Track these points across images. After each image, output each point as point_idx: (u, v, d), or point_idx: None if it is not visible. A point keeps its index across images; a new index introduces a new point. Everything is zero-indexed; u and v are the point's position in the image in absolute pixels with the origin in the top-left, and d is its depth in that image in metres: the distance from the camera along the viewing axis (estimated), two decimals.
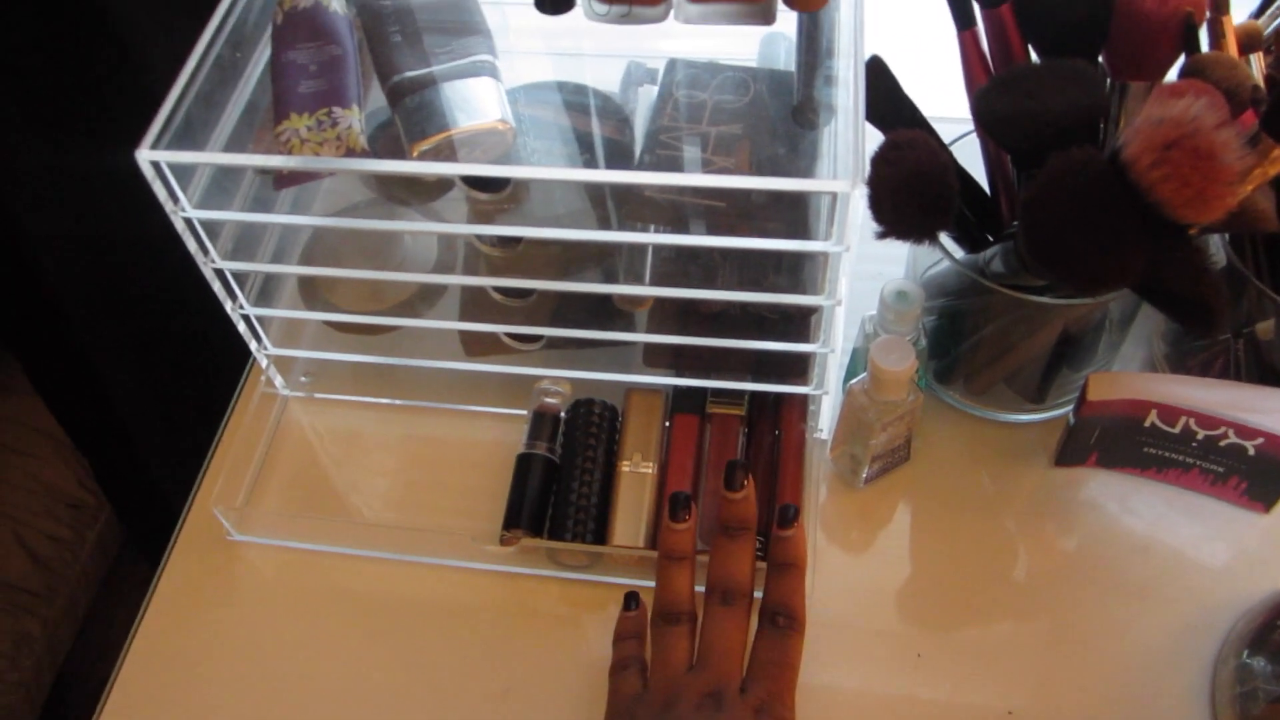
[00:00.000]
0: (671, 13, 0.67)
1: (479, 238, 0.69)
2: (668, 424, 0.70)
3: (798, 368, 0.68)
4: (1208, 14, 0.60)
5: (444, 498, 0.72)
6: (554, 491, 0.69)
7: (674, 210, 0.66)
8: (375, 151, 0.64)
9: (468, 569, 0.68)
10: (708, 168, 0.67)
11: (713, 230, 0.63)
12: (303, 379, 0.77)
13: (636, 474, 0.67)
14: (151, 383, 1.14)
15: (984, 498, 0.69)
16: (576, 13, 0.67)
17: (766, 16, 0.65)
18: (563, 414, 0.71)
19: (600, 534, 0.66)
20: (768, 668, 0.53)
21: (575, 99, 0.71)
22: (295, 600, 0.69)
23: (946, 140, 0.65)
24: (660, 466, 0.68)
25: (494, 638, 0.65)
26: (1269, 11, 0.65)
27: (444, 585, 0.68)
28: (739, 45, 0.74)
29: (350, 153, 0.62)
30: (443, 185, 0.71)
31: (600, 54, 0.76)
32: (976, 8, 0.63)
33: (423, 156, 0.62)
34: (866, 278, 0.66)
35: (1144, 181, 0.50)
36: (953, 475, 0.70)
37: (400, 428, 0.76)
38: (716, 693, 0.51)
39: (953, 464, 0.70)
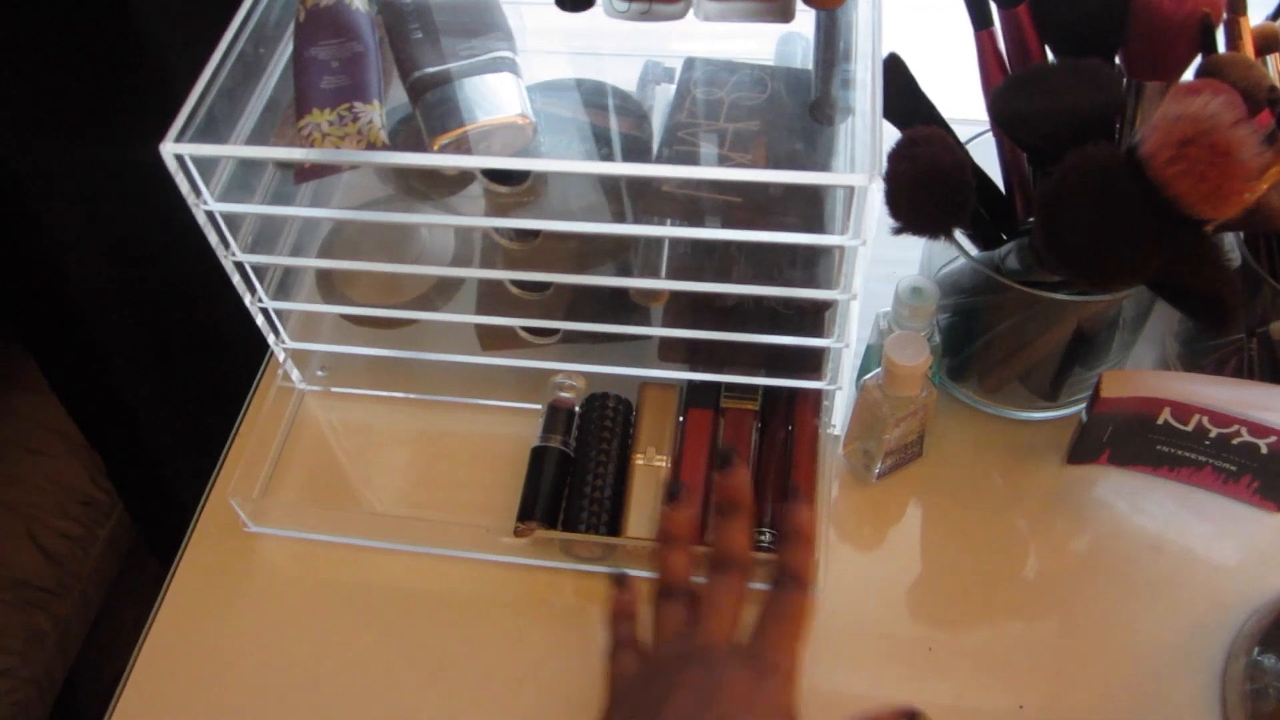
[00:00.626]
0: (691, 10, 0.67)
1: (497, 231, 0.70)
2: (681, 419, 0.71)
3: (812, 363, 0.68)
4: (1225, 15, 0.60)
5: (459, 491, 0.72)
6: (568, 484, 0.69)
7: (691, 205, 0.67)
8: (396, 146, 0.65)
9: (483, 561, 0.68)
10: (725, 163, 0.68)
11: (729, 225, 0.64)
12: (319, 373, 0.78)
13: (650, 467, 0.68)
14: (164, 380, 1.15)
15: (996, 495, 0.69)
16: (596, 12, 0.67)
17: (785, 14, 0.65)
18: (577, 408, 0.72)
19: (614, 526, 0.67)
20: (770, 618, 0.53)
21: (594, 96, 0.72)
22: (311, 592, 0.69)
23: (962, 139, 0.66)
24: (674, 460, 0.69)
25: (509, 629, 0.66)
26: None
27: (459, 577, 0.68)
28: (757, 45, 0.74)
29: (371, 147, 0.63)
30: (462, 180, 0.71)
31: (618, 53, 0.76)
32: (994, 7, 0.63)
33: (443, 150, 0.62)
34: (881, 277, 0.67)
35: (1161, 177, 0.51)
36: (965, 472, 0.70)
37: (416, 422, 0.76)
38: (706, 646, 0.51)
39: (965, 461, 0.71)
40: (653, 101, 0.74)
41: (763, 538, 0.65)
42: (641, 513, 0.66)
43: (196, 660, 0.66)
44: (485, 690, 0.64)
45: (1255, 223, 0.59)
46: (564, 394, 0.72)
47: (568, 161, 0.66)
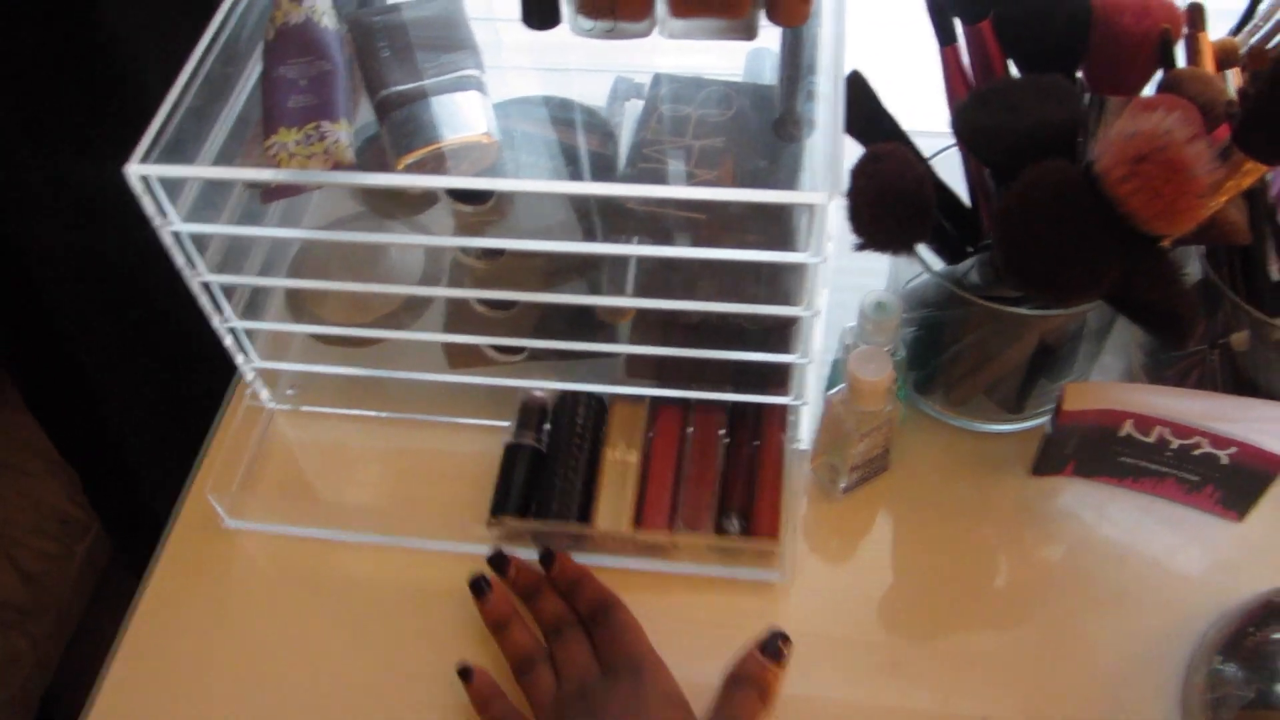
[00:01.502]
0: (656, 28, 0.68)
1: (463, 250, 0.70)
2: (652, 415, 0.71)
3: (778, 378, 0.68)
4: (1185, 30, 0.61)
5: (430, 509, 0.72)
6: (541, 480, 0.70)
7: (656, 222, 0.67)
8: (363, 165, 0.65)
9: (460, 553, 0.68)
10: (691, 180, 0.68)
11: (694, 242, 0.64)
12: (289, 392, 0.78)
13: (621, 462, 0.69)
14: (142, 396, 1.14)
15: (963, 507, 0.69)
16: (565, 28, 0.68)
17: (749, 32, 0.66)
18: (549, 405, 0.72)
19: (585, 518, 0.67)
20: (611, 644, 0.59)
21: (561, 113, 0.72)
22: (290, 586, 0.69)
23: (929, 153, 0.66)
24: (644, 455, 0.69)
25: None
26: (1246, 28, 0.66)
27: (438, 569, 0.68)
28: (726, 60, 0.75)
29: (338, 166, 0.63)
30: (428, 198, 0.71)
31: (588, 69, 0.76)
32: (958, 24, 0.64)
33: (408, 170, 0.62)
34: (848, 289, 0.67)
35: (1115, 194, 0.51)
36: (932, 484, 0.71)
37: (386, 440, 0.76)
38: (580, 689, 0.57)
39: (933, 473, 0.71)
40: (621, 117, 0.74)
41: (730, 525, 0.66)
42: (611, 505, 0.67)
43: (176, 657, 0.67)
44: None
45: (1213, 236, 0.59)
46: (537, 392, 0.72)
47: (529, 181, 0.66)
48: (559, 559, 0.64)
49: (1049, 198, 0.54)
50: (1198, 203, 0.51)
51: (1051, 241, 0.53)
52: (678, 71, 0.75)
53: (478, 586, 0.63)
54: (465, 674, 0.61)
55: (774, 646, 0.59)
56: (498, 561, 0.65)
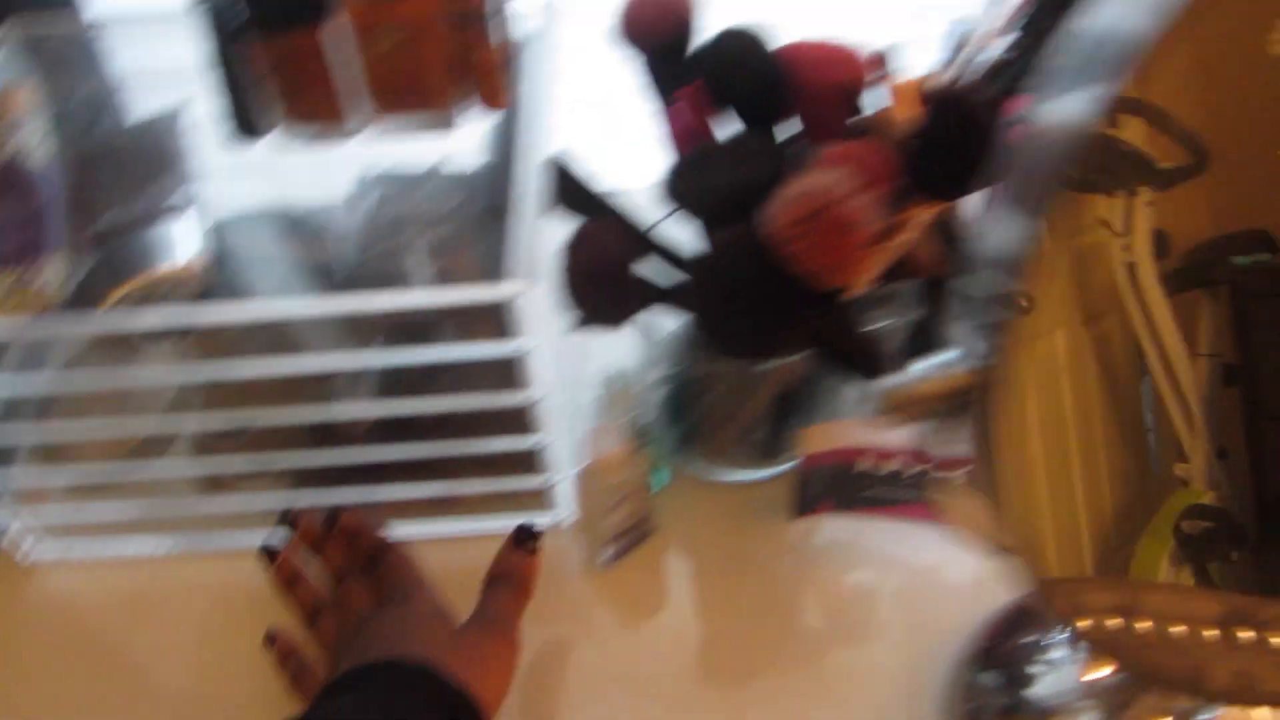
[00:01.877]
0: (361, 127, 0.68)
1: None
2: None
3: (529, 462, 0.68)
4: (879, 74, 0.63)
5: (232, 639, 0.69)
6: None
7: (399, 320, 0.67)
8: (85, 298, 0.63)
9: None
10: (425, 273, 0.69)
11: (433, 338, 0.64)
12: (52, 538, 0.74)
13: None
14: None
15: (733, 556, 0.70)
16: None
17: (447, 123, 0.67)
18: None
19: None
20: (387, 579, 0.62)
21: (285, 223, 0.72)
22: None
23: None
24: None
25: None
26: (945, 66, 0.68)
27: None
28: (466, 145, 0.75)
29: (49, 309, 0.61)
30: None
31: (322, 167, 0.76)
32: (671, 88, 0.65)
33: (118, 304, 0.61)
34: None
35: (787, 254, 0.53)
36: (703, 538, 0.71)
37: (169, 576, 0.73)
38: (359, 621, 0.60)
39: (703, 528, 0.72)
40: (356, 216, 0.74)
41: None
42: None
43: None
44: None
45: (908, 272, 0.62)
46: None
47: (222, 306, 0.64)
48: (340, 515, 0.66)
49: (731, 262, 0.56)
50: (865, 253, 0.54)
51: (736, 303, 0.55)
52: (415, 161, 0.75)
53: (266, 552, 0.64)
54: (270, 639, 0.63)
55: (524, 539, 0.62)
56: (289, 516, 0.66)
